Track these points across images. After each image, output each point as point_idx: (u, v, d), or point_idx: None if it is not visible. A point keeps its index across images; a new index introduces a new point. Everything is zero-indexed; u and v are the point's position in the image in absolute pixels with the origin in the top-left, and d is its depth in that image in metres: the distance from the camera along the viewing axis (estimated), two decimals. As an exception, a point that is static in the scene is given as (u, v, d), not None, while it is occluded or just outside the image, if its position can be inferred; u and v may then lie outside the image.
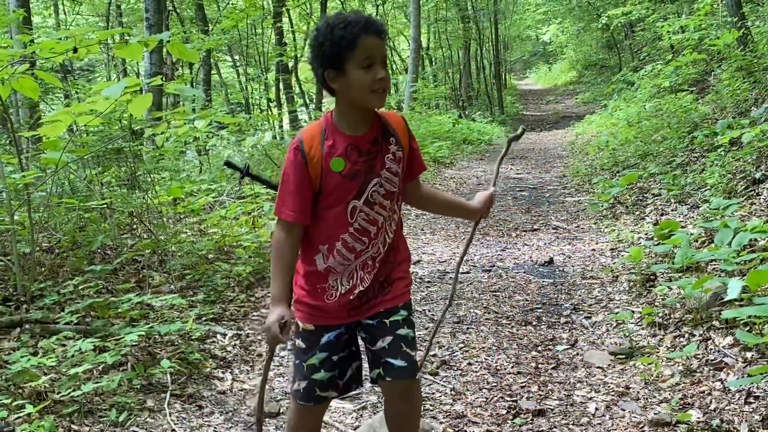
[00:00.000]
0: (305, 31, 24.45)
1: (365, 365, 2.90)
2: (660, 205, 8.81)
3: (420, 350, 5.23)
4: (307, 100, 22.97)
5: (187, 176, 9.06)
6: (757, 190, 7.45)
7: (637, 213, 8.90)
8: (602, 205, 9.75)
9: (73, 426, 3.96)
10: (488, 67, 33.23)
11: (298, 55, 22.08)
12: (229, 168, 3.31)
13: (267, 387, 4.76)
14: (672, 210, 8.41)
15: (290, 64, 22.17)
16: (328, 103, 20.08)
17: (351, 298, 2.70)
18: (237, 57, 23.76)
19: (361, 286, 2.70)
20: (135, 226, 7.08)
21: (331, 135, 2.60)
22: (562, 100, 34.28)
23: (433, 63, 33.45)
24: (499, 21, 32.36)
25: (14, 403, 3.89)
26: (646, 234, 7.81)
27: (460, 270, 7.38)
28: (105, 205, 6.34)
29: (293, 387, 2.82)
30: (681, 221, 7.63)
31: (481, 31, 31.51)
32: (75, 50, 5.77)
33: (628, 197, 9.52)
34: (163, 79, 8.42)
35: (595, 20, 31.47)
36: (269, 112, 19.16)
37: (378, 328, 2.72)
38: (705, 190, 8.21)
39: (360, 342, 2.88)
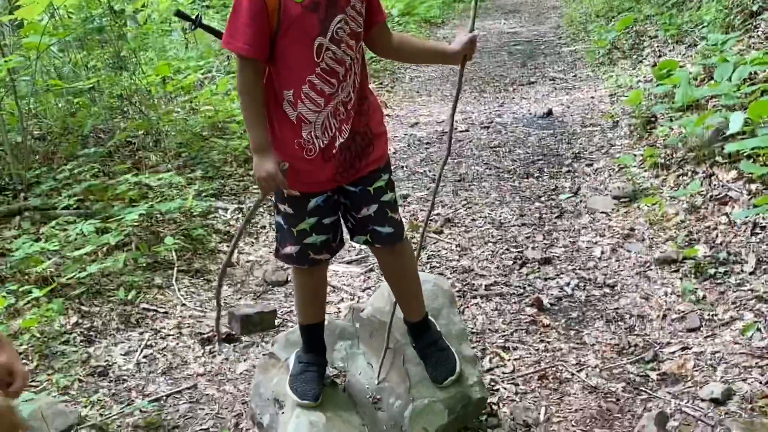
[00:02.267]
0: None
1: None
2: (657, 46, 8.61)
3: (423, 210, 5.23)
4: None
5: (174, 54, 8.85)
6: (754, 23, 7.26)
7: (634, 57, 8.72)
8: (599, 52, 9.55)
9: (82, 307, 3.99)
10: None
11: None
12: (180, 18, 3.11)
13: (274, 258, 4.78)
14: (670, 50, 8.22)
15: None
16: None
17: (334, 151, 2.56)
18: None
19: (340, 137, 2.54)
20: (125, 108, 6.96)
21: None
22: (552, -51, 33.28)
23: None
24: None
25: (21, 289, 3.89)
26: (644, 77, 7.66)
27: (457, 126, 7.33)
28: (92, 87, 6.20)
29: (283, 251, 2.74)
30: (680, 61, 7.46)
31: None
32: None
33: (625, 42, 9.31)
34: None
35: None
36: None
37: (362, 196, 2.63)
38: (702, 27, 8.00)
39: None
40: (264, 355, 3.41)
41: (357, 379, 2.93)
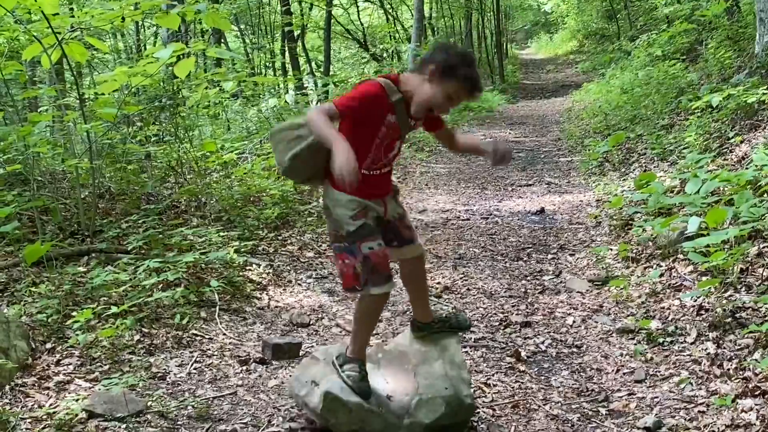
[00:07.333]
0: (311, 1, 25.01)
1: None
2: (644, 162, 9.65)
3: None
4: (314, 67, 23.60)
5: (211, 135, 9.91)
6: (730, 148, 8.27)
7: (623, 170, 9.75)
8: (592, 163, 10.59)
9: (143, 329, 4.86)
10: (489, 37, 33.81)
11: (305, 24, 22.75)
12: None
13: (299, 305, 5.67)
14: (654, 166, 9.24)
15: (296, 33, 22.86)
16: (335, 69, 20.81)
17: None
18: (242, 26, 24.39)
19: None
20: (169, 177, 7.96)
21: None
22: (562, 69, 34.86)
23: (436, 32, 34.01)
24: (501, -10, 32.96)
25: (98, 308, 4.78)
26: (629, 187, 8.65)
27: (459, 215, 8.29)
28: (147, 155, 7.20)
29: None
30: (661, 175, 8.46)
31: (483, 1, 32.09)
32: (123, 19, 6.60)
33: (616, 156, 10.36)
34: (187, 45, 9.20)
35: (594, -11, 32.15)
36: (286, 77, 19.91)
37: None
38: (684, 148, 9.03)
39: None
40: (307, 356, 4.24)
41: (375, 388, 3.74)
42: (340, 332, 5.23)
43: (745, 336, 4.54)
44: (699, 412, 3.94)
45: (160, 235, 6.16)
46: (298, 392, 3.75)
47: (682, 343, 4.78)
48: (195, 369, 4.56)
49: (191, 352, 4.75)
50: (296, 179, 3.77)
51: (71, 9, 7.95)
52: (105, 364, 4.43)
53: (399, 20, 32.41)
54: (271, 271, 6.26)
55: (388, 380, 3.81)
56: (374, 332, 4.55)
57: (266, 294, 5.84)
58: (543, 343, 5.01)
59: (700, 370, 4.38)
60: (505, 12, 39.24)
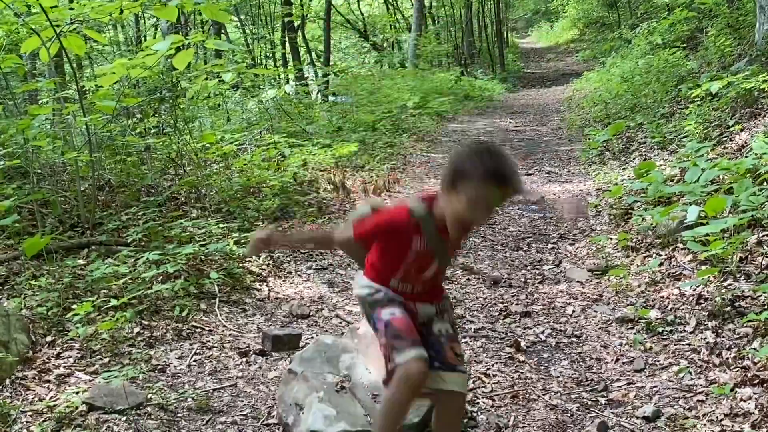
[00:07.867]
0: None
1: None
2: (644, 151, 9.65)
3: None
4: (314, 57, 23.55)
5: (211, 126, 9.93)
6: (729, 136, 8.27)
7: (623, 159, 9.75)
8: (592, 152, 10.59)
9: (143, 321, 4.87)
10: (490, 26, 33.70)
11: (305, 15, 22.72)
12: None
13: (299, 297, 5.68)
14: (654, 155, 9.24)
15: (296, 24, 22.81)
16: (335, 59, 20.77)
17: None
18: (242, 17, 24.35)
19: None
20: (169, 169, 7.97)
21: None
22: (562, 57, 34.77)
23: (436, 22, 33.95)
24: (501, -21, 32.85)
25: (98, 301, 4.79)
26: (629, 176, 8.65)
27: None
28: (147, 147, 7.21)
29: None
30: (660, 164, 8.45)
31: (483, -10, 32.01)
32: (121, 12, 6.59)
33: (616, 145, 10.35)
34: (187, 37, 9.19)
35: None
36: (286, 68, 19.90)
37: None
38: (683, 137, 9.03)
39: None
40: (285, 371, 4.25)
41: (360, 382, 3.77)
42: (340, 323, 5.24)
43: (744, 325, 4.55)
44: (698, 401, 3.95)
45: (160, 227, 6.18)
46: (286, 419, 3.74)
47: (681, 332, 4.78)
48: (195, 361, 4.57)
49: (191, 344, 4.76)
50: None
51: (70, 1, 7.91)
52: (105, 357, 4.45)
53: (399, 10, 32.38)
54: (270, 262, 6.27)
55: (369, 369, 3.83)
56: (355, 326, 4.57)
57: (266, 285, 5.85)
58: (542, 333, 5.01)
59: (699, 359, 4.39)
60: (505, 1, 39.10)
